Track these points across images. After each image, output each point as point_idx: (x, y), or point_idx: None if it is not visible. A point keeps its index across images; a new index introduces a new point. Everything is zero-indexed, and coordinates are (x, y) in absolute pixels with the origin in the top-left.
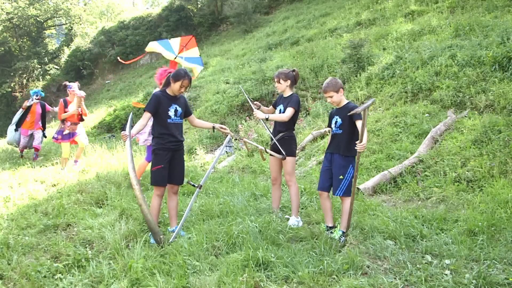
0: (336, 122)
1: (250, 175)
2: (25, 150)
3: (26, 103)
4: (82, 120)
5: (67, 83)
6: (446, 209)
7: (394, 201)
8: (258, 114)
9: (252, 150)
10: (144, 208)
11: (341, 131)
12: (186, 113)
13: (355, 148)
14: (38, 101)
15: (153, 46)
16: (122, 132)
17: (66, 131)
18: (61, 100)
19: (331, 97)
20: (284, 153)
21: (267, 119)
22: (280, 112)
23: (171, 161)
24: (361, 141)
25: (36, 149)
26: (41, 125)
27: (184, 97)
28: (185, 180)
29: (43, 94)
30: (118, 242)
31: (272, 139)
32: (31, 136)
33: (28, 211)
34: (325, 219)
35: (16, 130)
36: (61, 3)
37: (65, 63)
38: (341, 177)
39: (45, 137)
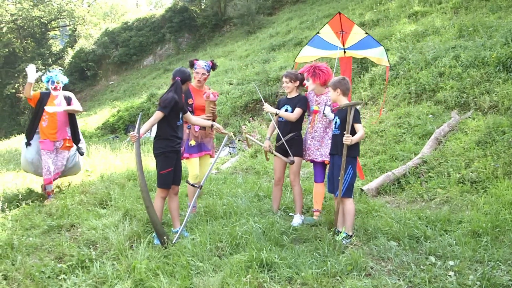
0: (335, 122)
1: (253, 176)
2: (54, 180)
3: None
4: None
5: (196, 60)
6: (450, 210)
7: (398, 202)
8: (267, 107)
9: (256, 150)
10: (151, 210)
11: (339, 131)
12: (184, 111)
13: (344, 142)
14: (57, 92)
15: (305, 54)
16: (131, 133)
17: (192, 142)
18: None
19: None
20: (292, 156)
21: (276, 114)
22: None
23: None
24: (347, 133)
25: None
26: (69, 134)
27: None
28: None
29: (62, 80)
30: (122, 243)
31: (277, 140)
32: (58, 153)
33: (32, 212)
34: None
35: (28, 144)
36: (65, 4)
37: (69, 64)
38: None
39: (82, 154)
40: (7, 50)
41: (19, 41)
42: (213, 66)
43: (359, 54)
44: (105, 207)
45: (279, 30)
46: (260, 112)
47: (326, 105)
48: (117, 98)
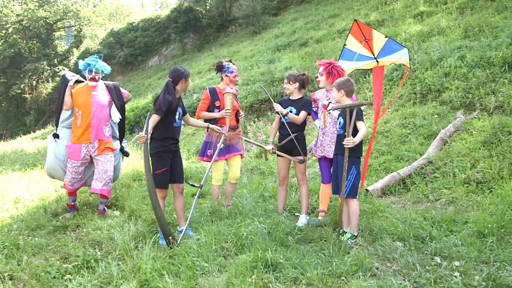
0: (339, 122)
1: (258, 176)
2: (77, 190)
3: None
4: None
5: (225, 62)
6: (455, 211)
7: (403, 203)
8: (278, 107)
9: (261, 151)
10: (158, 211)
11: (343, 131)
12: (183, 113)
13: (344, 145)
14: (94, 82)
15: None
16: (140, 133)
17: (220, 143)
18: (208, 88)
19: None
20: (303, 156)
21: (286, 115)
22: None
23: (172, 161)
24: (348, 135)
25: (103, 196)
26: (107, 135)
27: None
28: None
29: (103, 69)
30: (127, 243)
31: (280, 141)
32: (90, 161)
33: (37, 212)
34: (339, 222)
35: (56, 135)
36: (71, 5)
37: (75, 65)
38: None
39: (127, 155)
40: (12, 50)
41: (24, 41)
42: None
43: (388, 60)
44: (110, 208)
45: (284, 31)
46: (266, 113)
47: (331, 102)
48: None
